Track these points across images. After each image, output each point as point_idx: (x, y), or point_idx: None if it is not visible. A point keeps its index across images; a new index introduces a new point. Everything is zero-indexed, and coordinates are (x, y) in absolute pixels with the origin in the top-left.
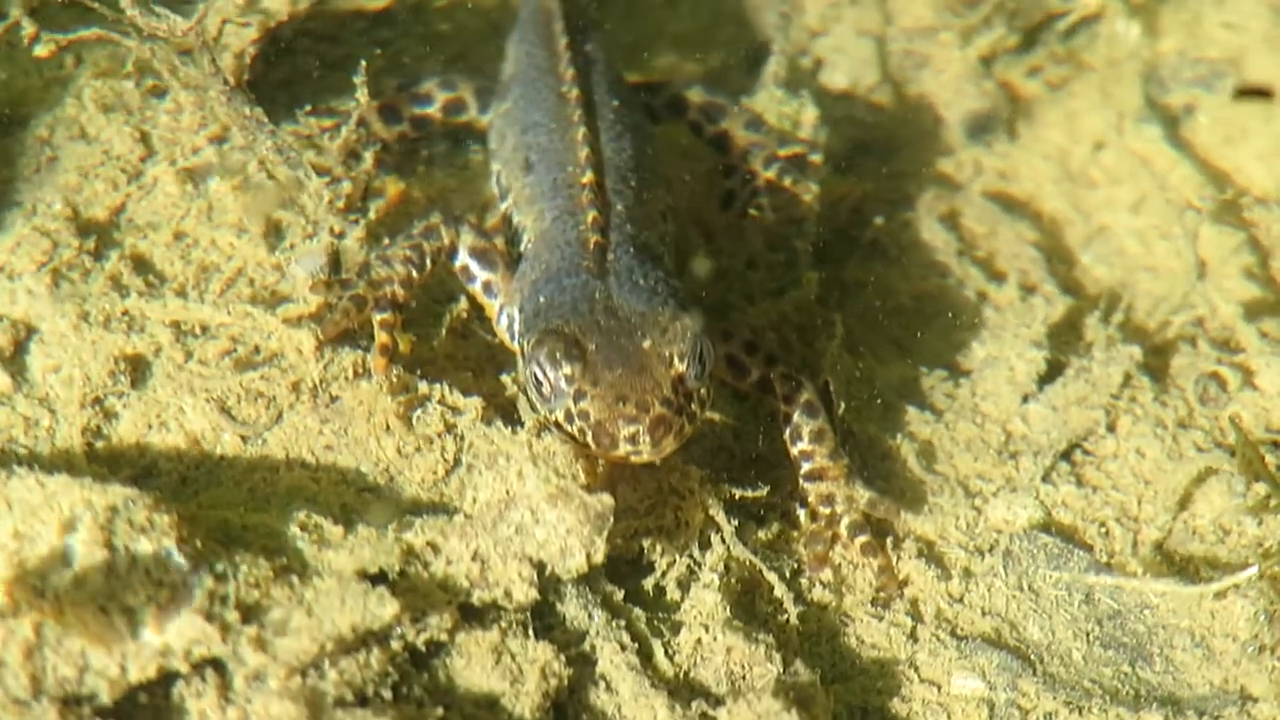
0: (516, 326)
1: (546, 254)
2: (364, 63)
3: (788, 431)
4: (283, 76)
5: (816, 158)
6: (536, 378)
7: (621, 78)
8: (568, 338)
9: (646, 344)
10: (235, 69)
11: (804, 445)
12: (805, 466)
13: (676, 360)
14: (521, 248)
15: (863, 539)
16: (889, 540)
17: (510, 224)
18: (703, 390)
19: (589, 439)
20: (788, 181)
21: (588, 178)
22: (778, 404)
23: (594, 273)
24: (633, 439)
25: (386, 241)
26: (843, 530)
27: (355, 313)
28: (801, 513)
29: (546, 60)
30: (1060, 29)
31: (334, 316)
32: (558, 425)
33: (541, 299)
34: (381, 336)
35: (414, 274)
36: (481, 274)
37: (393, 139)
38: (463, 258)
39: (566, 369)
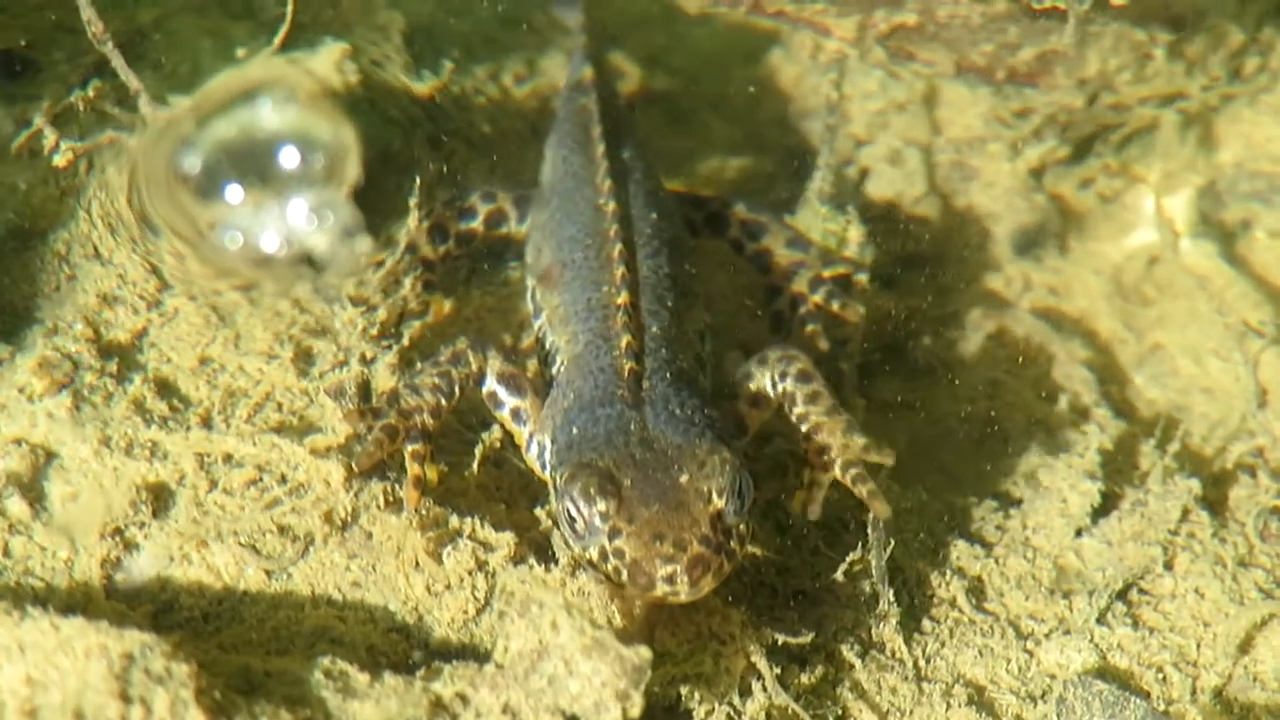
0: (548, 456)
1: (579, 380)
2: (418, 179)
3: (785, 404)
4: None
5: (862, 277)
6: (569, 514)
7: (661, 186)
8: (602, 472)
9: (684, 479)
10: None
11: (800, 409)
12: (804, 426)
13: (715, 496)
14: (554, 370)
15: (854, 471)
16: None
17: (543, 345)
18: (742, 526)
19: (624, 579)
20: (835, 306)
21: (622, 298)
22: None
23: (629, 402)
24: (670, 579)
25: (419, 367)
26: (837, 471)
27: (388, 443)
28: (805, 471)
29: (584, 168)
30: (1113, 140)
31: (368, 448)
32: (591, 564)
33: (574, 430)
34: (414, 468)
35: (443, 402)
36: (510, 400)
37: (439, 258)
38: (490, 384)
39: (601, 505)
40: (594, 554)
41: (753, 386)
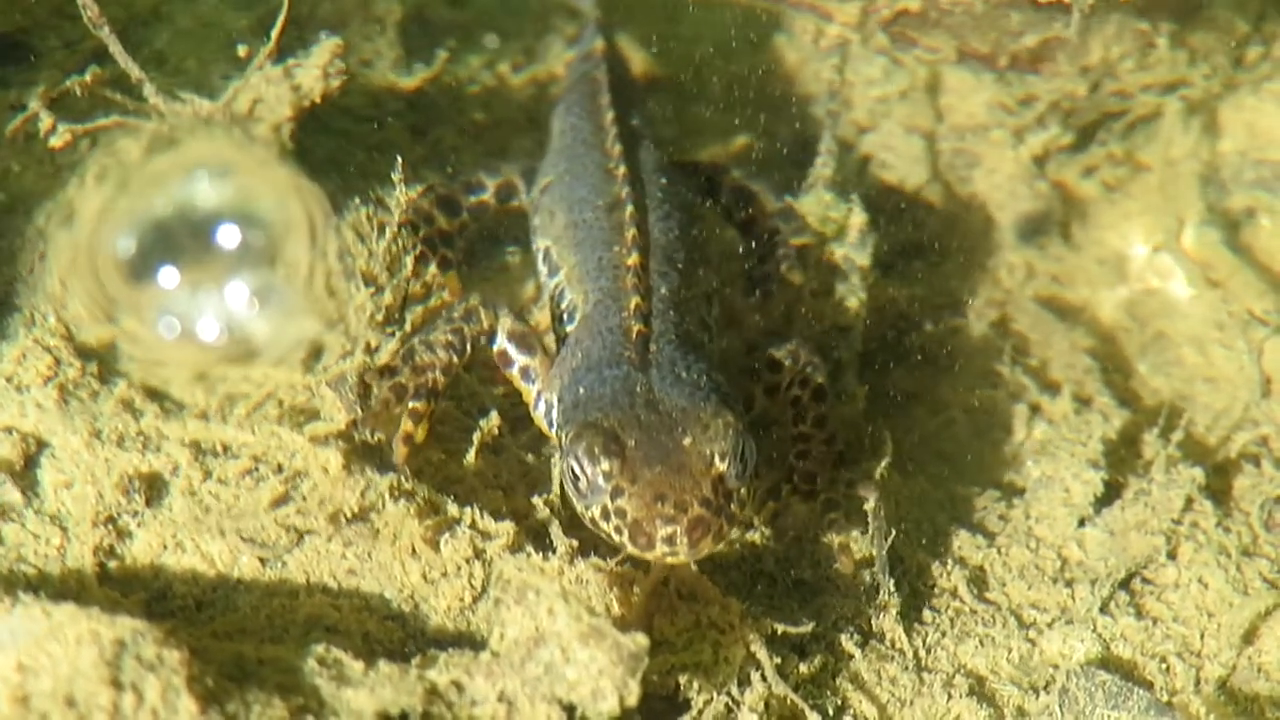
0: (555, 415)
1: (588, 341)
2: (400, 158)
3: (792, 413)
4: (326, 154)
5: (864, 261)
6: (574, 472)
7: (666, 156)
8: (607, 432)
9: (687, 441)
10: (275, 140)
11: (805, 428)
12: (800, 446)
13: (717, 459)
14: (568, 328)
15: (831, 515)
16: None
17: (559, 303)
18: (743, 490)
19: (625, 538)
20: (784, 268)
21: (633, 259)
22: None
23: (636, 364)
24: (670, 540)
25: (433, 323)
26: (817, 505)
27: (395, 402)
28: (785, 487)
29: (593, 135)
30: (1117, 128)
31: (375, 405)
32: (593, 523)
33: (581, 390)
34: (406, 425)
35: (455, 359)
36: (520, 359)
37: (455, 230)
38: (501, 342)
39: (605, 465)
40: (596, 513)
41: (772, 378)
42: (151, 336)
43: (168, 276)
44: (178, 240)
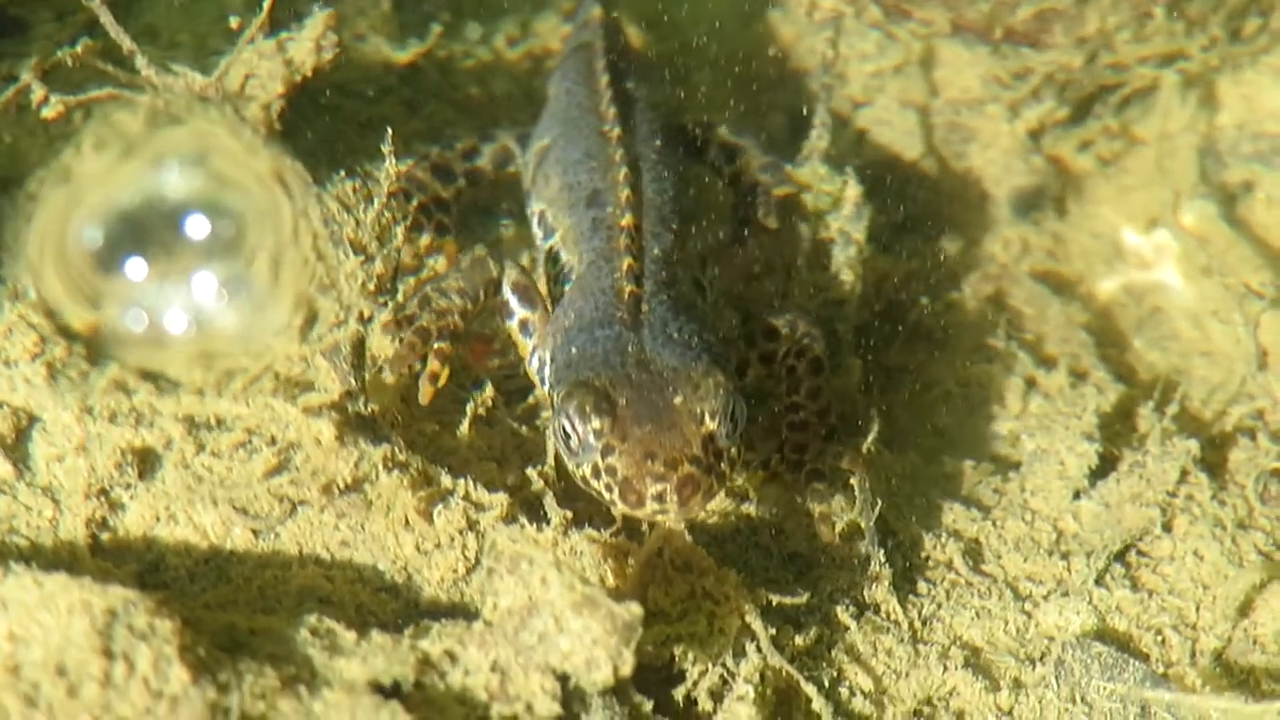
0: (547, 372)
1: (581, 300)
2: (390, 130)
3: (787, 383)
4: (317, 131)
5: (859, 234)
6: (565, 431)
7: (662, 120)
8: (598, 391)
9: (678, 400)
10: (265, 120)
11: (798, 398)
12: (791, 416)
13: (708, 418)
14: (563, 289)
15: (816, 485)
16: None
17: (554, 264)
18: (733, 450)
19: (615, 496)
20: (760, 213)
21: (627, 220)
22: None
23: (628, 324)
24: (660, 497)
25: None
26: (801, 475)
27: (420, 345)
28: (774, 457)
29: (588, 98)
30: (1113, 102)
31: (400, 351)
32: (584, 481)
33: (574, 349)
34: (433, 364)
35: (469, 305)
36: (519, 311)
37: (452, 197)
38: (505, 292)
39: (595, 423)
40: (587, 471)
41: (769, 345)
42: (121, 326)
43: (135, 268)
44: (147, 230)
